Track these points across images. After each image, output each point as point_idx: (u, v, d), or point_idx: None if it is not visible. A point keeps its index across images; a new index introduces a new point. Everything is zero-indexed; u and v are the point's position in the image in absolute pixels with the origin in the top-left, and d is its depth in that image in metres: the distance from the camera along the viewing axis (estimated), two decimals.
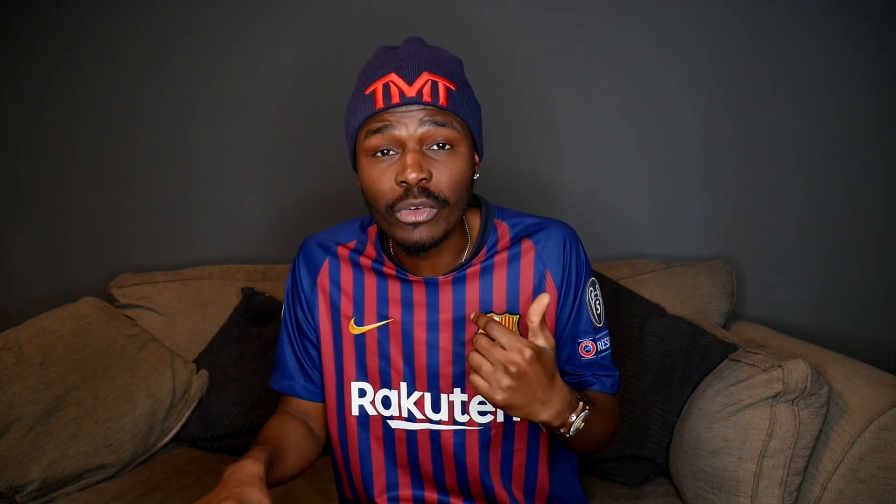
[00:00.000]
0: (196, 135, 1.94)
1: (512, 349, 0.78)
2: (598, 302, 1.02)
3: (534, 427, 1.01)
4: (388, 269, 1.00)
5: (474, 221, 1.02)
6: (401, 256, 1.00)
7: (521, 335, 0.81)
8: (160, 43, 1.94)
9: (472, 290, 0.98)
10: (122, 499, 1.33)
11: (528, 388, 0.80)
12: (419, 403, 1.00)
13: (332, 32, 1.84)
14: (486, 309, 0.98)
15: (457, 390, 0.99)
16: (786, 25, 1.65)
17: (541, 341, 0.81)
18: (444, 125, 0.88)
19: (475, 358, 0.80)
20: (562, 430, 0.85)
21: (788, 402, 1.09)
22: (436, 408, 1.00)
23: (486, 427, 1.00)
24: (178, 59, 1.93)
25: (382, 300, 1.00)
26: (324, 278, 1.04)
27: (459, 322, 0.98)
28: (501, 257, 0.99)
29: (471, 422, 0.99)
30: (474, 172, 0.94)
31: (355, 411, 1.02)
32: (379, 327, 1.00)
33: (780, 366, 1.10)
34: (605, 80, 1.74)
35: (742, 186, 1.71)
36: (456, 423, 1.00)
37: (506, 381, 0.79)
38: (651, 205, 1.75)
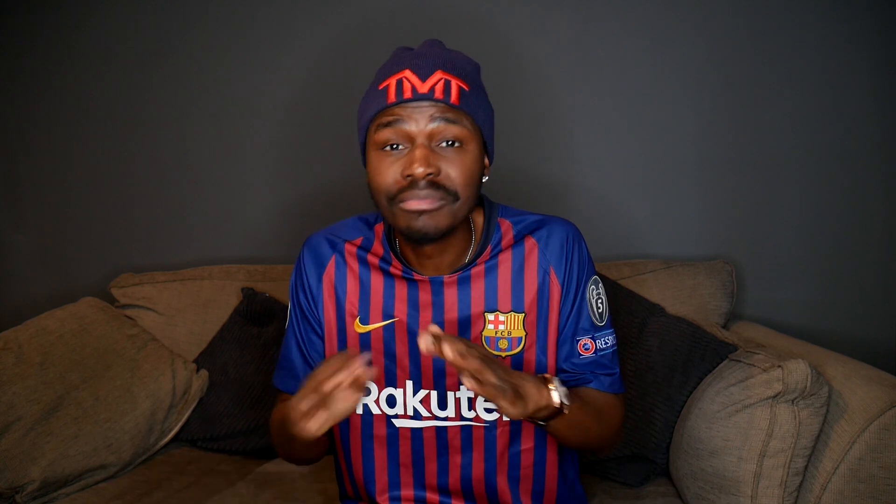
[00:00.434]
0: (196, 135, 1.94)
1: (474, 347, 0.79)
2: (599, 300, 1.02)
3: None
4: (395, 268, 1.01)
5: (478, 220, 1.02)
6: (407, 254, 1.00)
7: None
8: (160, 43, 1.93)
9: (478, 290, 0.98)
10: (122, 499, 1.33)
11: (513, 375, 0.82)
12: (425, 401, 1.00)
13: (333, 33, 1.84)
14: (491, 307, 0.98)
15: (463, 387, 0.99)
16: (786, 26, 1.65)
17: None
18: (454, 122, 0.88)
19: (467, 374, 0.77)
20: (556, 405, 0.85)
21: (788, 402, 1.09)
22: (442, 405, 1.00)
23: (493, 424, 1.00)
24: (178, 60, 1.93)
25: (388, 299, 1.00)
26: (330, 274, 1.04)
27: (465, 321, 0.98)
28: (506, 256, 0.99)
29: (477, 418, 1.00)
30: (483, 174, 0.94)
31: (359, 410, 1.02)
32: (384, 326, 1.01)
33: (780, 366, 1.09)
34: (606, 80, 1.75)
35: (742, 187, 1.71)
36: (463, 419, 1.00)
37: (499, 371, 0.79)
38: (651, 205, 1.75)
